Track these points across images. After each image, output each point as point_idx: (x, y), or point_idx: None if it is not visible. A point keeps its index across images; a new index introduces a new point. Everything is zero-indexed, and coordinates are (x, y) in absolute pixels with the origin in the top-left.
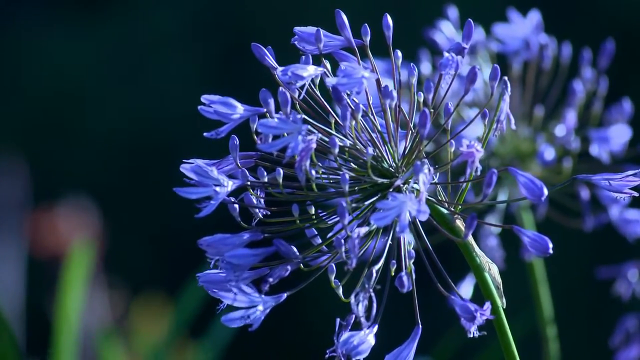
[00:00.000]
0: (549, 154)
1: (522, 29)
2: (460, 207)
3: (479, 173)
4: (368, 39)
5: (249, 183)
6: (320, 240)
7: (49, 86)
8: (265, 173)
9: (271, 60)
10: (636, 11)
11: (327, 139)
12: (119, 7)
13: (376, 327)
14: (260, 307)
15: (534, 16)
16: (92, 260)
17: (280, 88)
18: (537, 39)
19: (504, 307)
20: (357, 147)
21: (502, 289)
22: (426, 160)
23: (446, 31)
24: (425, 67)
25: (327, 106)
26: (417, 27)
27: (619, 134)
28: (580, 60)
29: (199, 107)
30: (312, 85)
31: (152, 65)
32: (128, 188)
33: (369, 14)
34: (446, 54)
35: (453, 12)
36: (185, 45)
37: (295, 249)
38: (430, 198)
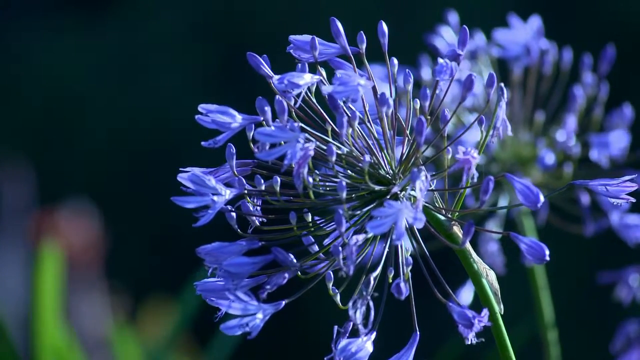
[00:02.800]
0: (550, 158)
1: (523, 34)
2: (457, 213)
3: (475, 180)
4: (364, 46)
5: (246, 191)
6: (317, 248)
7: (50, 90)
8: (262, 181)
9: (267, 69)
10: (637, 16)
11: (324, 147)
12: (120, 10)
13: (374, 334)
14: (260, 315)
15: (535, 21)
16: (62, 261)
17: (277, 96)
18: (537, 44)
19: (502, 313)
20: (354, 154)
21: (499, 295)
22: (423, 167)
23: (446, 36)
24: (426, 73)
25: (324, 114)
26: (418, 32)
27: (619, 139)
28: (581, 66)
29: (196, 116)
30: (308, 93)
31: (152, 69)
32: (129, 191)
33: (370, 19)
34: (440, 61)
35: (453, 17)
36: (186, 49)
37: (292, 257)
38: (427, 205)
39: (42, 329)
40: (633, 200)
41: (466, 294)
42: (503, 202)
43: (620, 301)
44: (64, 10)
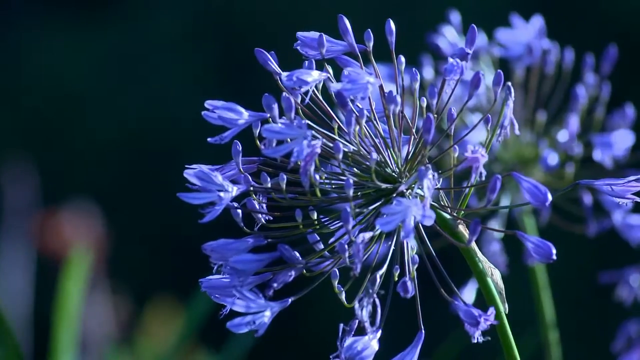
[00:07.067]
0: (553, 159)
1: (525, 34)
2: (463, 212)
3: (483, 178)
4: (371, 44)
5: (252, 188)
6: (323, 246)
7: (50, 90)
8: (269, 178)
9: (274, 66)
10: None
11: (330, 144)
12: (120, 10)
13: (380, 332)
14: (267, 313)
15: (537, 21)
16: (90, 266)
17: (284, 93)
18: (539, 44)
19: (507, 312)
20: (361, 152)
21: (504, 295)
22: (430, 166)
23: (449, 36)
24: (428, 72)
25: (330, 111)
26: (419, 32)
27: (622, 139)
28: (583, 66)
29: (202, 112)
30: (315, 90)
31: (153, 69)
32: (132, 192)
33: (370, 18)
34: (451, 60)
35: (455, 17)
36: (186, 49)
37: (298, 254)
38: (433, 203)
39: (62, 331)
40: (639, 200)
41: (468, 294)
42: (505, 202)
43: (622, 301)
44: (64, 9)
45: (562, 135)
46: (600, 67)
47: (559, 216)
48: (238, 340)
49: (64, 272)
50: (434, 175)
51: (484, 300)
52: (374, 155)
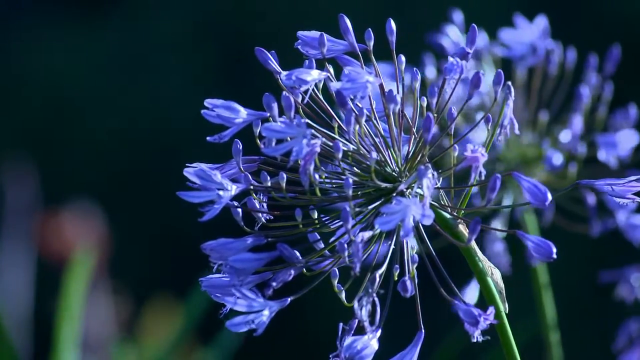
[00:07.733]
0: (557, 159)
1: (529, 34)
2: (463, 211)
3: (483, 178)
4: (372, 43)
5: (252, 187)
6: (323, 245)
7: (50, 90)
8: (268, 177)
9: (274, 65)
10: None
11: (330, 144)
12: (120, 10)
13: (380, 331)
14: (266, 312)
15: (541, 21)
16: (93, 267)
17: (284, 92)
18: (543, 44)
19: (507, 312)
20: (361, 151)
21: (504, 294)
22: (430, 165)
23: (452, 35)
24: (430, 72)
25: (330, 110)
26: (420, 32)
27: (627, 139)
28: (586, 66)
29: (202, 111)
30: (315, 89)
31: (153, 69)
32: (132, 192)
33: (370, 18)
34: (451, 59)
35: (458, 16)
36: (187, 49)
37: (298, 254)
38: (433, 203)
39: (64, 331)
40: (639, 199)
41: (471, 293)
42: (507, 201)
43: (622, 300)
44: (64, 10)
45: (565, 135)
46: (603, 67)
47: (562, 216)
48: (229, 335)
49: (67, 272)
50: (433, 175)
51: (484, 299)
52: (374, 154)
